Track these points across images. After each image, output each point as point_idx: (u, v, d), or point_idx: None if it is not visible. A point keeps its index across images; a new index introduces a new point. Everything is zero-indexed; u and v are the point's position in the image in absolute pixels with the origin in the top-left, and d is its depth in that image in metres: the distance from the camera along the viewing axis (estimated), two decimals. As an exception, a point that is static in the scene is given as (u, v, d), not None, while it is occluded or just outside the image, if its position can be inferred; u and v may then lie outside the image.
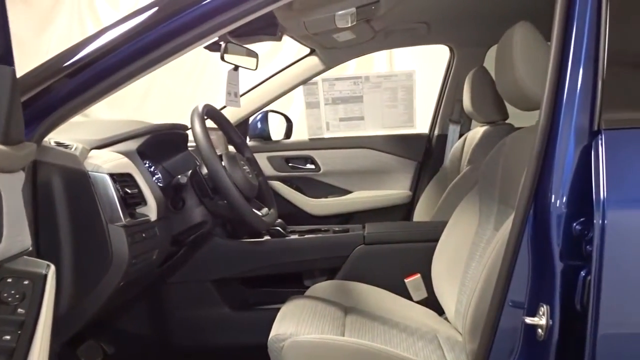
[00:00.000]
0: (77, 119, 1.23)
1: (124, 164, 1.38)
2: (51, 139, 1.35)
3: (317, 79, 2.76)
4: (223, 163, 1.56)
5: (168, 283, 1.94)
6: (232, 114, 2.74)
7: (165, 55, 1.12)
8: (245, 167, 1.63)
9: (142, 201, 1.41)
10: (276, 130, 3.00)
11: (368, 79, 2.77)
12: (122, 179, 1.34)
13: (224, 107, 2.69)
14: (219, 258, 1.95)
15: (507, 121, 2.31)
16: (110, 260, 1.27)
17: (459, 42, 2.69)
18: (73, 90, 1.14)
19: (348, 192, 2.90)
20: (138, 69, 1.12)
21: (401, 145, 2.85)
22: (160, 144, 1.76)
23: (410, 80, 2.75)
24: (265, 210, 1.65)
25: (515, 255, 1.07)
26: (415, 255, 1.95)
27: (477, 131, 2.37)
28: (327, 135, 2.87)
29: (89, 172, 1.26)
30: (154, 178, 1.74)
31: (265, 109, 2.87)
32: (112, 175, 1.30)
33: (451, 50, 2.76)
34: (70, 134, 1.46)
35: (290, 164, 2.87)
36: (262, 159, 2.84)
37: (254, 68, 2.16)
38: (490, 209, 1.59)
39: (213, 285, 1.97)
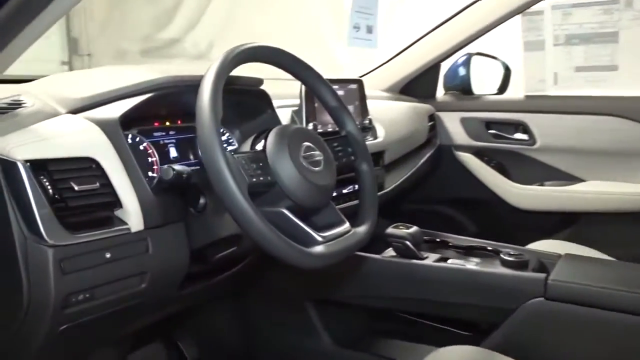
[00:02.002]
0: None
1: (78, 143, 0.87)
2: (7, 98, 0.93)
3: (544, 4, 1.81)
4: (269, 142, 0.93)
5: (253, 293, 1.44)
6: (415, 58, 2.03)
7: None
8: (314, 153, 0.96)
9: (115, 201, 0.89)
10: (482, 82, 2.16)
11: (631, 4, 1.69)
12: (70, 167, 0.84)
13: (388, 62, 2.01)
14: (316, 271, 1.35)
15: None
16: (27, 298, 0.81)
17: None
18: None
19: (577, 180, 1.93)
20: None
21: (682, 115, 1.73)
22: (237, 104, 1.21)
23: None
24: (338, 230, 0.97)
25: None
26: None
27: None
28: (552, 91, 1.91)
29: (1, 157, 0.79)
30: (229, 149, 1.21)
31: (468, 51, 2.07)
32: (37, 163, 0.80)
33: None
34: (61, 86, 1.02)
35: (491, 131, 2.03)
36: (453, 120, 2.08)
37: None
38: None
39: (312, 306, 1.40)
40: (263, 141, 0.95)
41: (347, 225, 1.00)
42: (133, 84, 0.96)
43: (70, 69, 6.40)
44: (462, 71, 2.13)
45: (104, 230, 0.87)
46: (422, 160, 1.91)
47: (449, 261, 1.27)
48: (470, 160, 2.03)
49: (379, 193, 1.56)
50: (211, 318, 1.53)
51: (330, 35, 4.61)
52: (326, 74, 1.50)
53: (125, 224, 0.90)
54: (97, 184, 0.86)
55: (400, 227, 1.31)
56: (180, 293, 1.07)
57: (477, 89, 2.12)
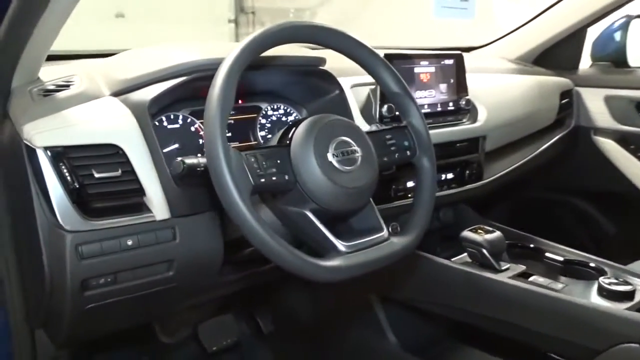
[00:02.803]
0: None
1: (103, 129, 0.86)
2: (61, 78, 0.96)
3: None
4: (295, 136, 0.83)
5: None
6: (555, 22, 1.73)
7: None
8: (350, 149, 0.84)
9: (139, 189, 0.88)
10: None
11: None
12: (91, 154, 0.84)
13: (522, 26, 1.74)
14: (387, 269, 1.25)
15: None
16: (49, 280, 0.85)
17: None
18: None
19: None
20: None
21: None
22: (301, 82, 1.14)
23: None
24: (370, 238, 0.84)
25: None
26: None
27: None
28: None
29: (26, 143, 0.82)
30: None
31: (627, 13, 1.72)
32: (57, 150, 0.82)
33: None
34: (117, 65, 1.03)
35: (645, 113, 1.67)
36: (596, 98, 1.76)
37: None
38: None
39: (378, 302, 1.30)
40: (292, 134, 0.86)
41: (383, 233, 0.88)
42: (168, 67, 0.93)
43: (236, 27, 6.80)
44: (617, 37, 1.77)
45: (125, 218, 0.86)
46: (546, 145, 1.64)
47: (532, 278, 1.07)
48: (611, 147, 1.70)
49: (477, 184, 1.37)
50: (289, 295, 1.52)
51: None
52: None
53: (151, 211, 0.89)
54: (119, 172, 0.86)
55: (480, 230, 1.13)
56: (223, 279, 1.06)
57: (634, 61, 1.75)
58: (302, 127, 0.85)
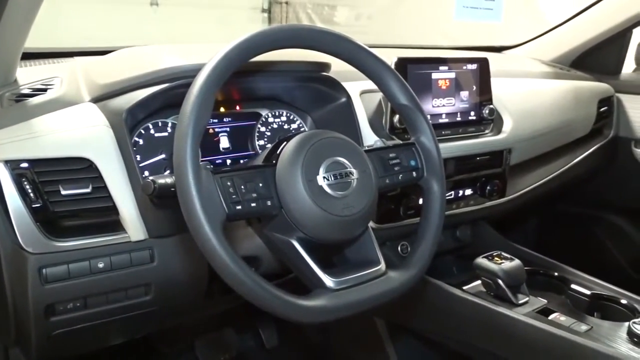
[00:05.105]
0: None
1: (73, 141, 0.78)
2: (40, 81, 0.89)
3: None
4: (282, 155, 0.74)
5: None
6: (596, 22, 1.60)
7: None
8: (344, 171, 0.74)
9: (112, 207, 0.80)
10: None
11: None
12: (59, 169, 0.77)
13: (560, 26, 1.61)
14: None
15: None
16: (12, 305, 0.78)
17: None
18: None
19: None
20: None
21: None
22: (306, 88, 1.04)
23: None
24: (364, 273, 0.74)
25: None
26: None
27: None
28: None
29: None
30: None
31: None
32: (20, 164, 0.74)
33: None
34: (103, 68, 0.95)
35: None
36: (638, 107, 1.60)
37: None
38: None
39: (384, 325, 1.20)
40: (280, 151, 0.77)
41: (380, 267, 0.78)
42: (149, 72, 0.84)
43: (269, 16, 6.77)
44: (666, 39, 1.61)
45: (97, 239, 0.79)
46: (580, 157, 1.50)
47: (553, 316, 0.95)
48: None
49: (499, 201, 1.25)
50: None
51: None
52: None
53: (124, 233, 0.81)
54: (90, 188, 0.78)
55: (496, 258, 1.02)
56: (211, 301, 0.98)
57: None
58: (290, 145, 0.75)
